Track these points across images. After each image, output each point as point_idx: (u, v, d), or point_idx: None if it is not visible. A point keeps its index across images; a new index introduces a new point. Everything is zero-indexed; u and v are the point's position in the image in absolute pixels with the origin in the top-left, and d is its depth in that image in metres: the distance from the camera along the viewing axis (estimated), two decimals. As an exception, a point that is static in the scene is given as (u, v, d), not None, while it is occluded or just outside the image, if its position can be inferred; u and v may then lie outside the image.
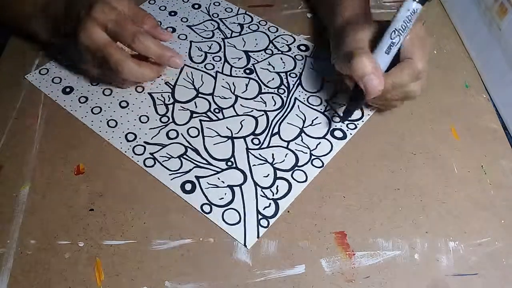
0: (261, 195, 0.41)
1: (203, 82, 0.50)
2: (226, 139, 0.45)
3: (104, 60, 0.43)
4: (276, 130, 0.46)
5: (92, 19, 0.42)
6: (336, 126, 0.46)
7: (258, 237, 0.38)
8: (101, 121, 0.46)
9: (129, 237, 0.38)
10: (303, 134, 0.46)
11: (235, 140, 0.45)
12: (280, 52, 0.53)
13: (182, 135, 0.45)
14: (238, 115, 0.47)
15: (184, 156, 0.44)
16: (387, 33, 0.38)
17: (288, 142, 0.45)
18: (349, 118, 0.45)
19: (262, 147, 0.45)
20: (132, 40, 0.42)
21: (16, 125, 0.46)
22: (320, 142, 0.45)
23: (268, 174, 0.42)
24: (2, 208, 0.40)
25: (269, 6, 0.59)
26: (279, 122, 0.46)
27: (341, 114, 0.46)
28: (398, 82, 0.39)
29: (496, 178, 0.43)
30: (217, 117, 0.47)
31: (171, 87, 0.50)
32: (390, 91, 0.41)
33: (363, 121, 0.47)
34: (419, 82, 0.40)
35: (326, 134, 0.46)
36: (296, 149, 0.44)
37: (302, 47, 0.54)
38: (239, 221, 0.39)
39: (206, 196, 0.41)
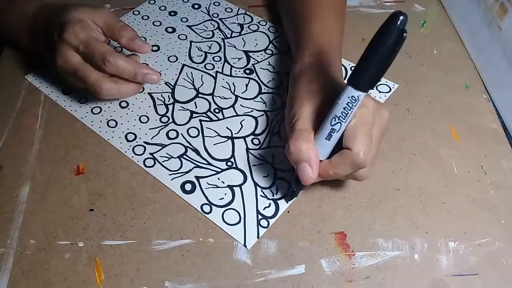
0: (261, 195, 0.41)
1: (203, 82, 0.50)
2: (226, 139, 0.45)
3: (82, 81, 0.43)
4: (276, 130, 0.46)
5: (64, 42, 0.42)
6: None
7: (258, 237, 0.38)
8: (101, 121, 0.46)
9: (129, 237, 0.38)
10: (303, 134, 0.46)
11: (235, 140, 0.45)
12: (280, 52, 0.53)
13: (182, 135, 0.45)
14: (238, 115, 0.47)
15: (184, 156, 0.44)
16: (327, 119, 0.35)
17: (288, 142, 0.45)
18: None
19: (262, 147, 0.45)
20: (102, 62, 0.41)
21: (16, 125, 0.46)
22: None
23: (268, 174, 0.42)
24: (2, 208, 0.40)
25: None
26: (279, 122, 0.46)
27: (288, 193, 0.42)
28: (339, 172, 0.36)
29: (496, 178, 0.43)
30: (217, 117, 0.47)
31: (171, 87, 0.50)
32: (332, 178, 0.37)
33: (363, 121, 0.47)
34: (364, 169, 0.36)
35: (326, 134, 0.46)
36: (296, 149, 0.44)
37: (302, 47, 0.54)
38: (239, 221, 0.39)
39: (206, 196, 0.41)
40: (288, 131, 0.38)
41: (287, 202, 0.41)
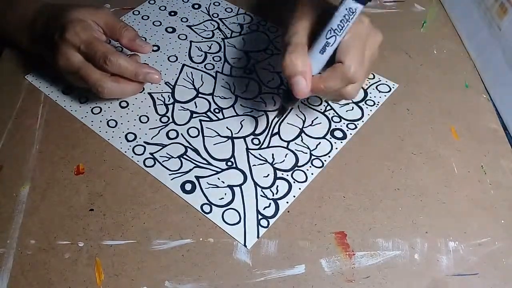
0: (261, 195, 0.41)
1: (203, 82, 0.50)
2: (226, 139, 0.45)
3: (84, 80, 0.43)
4: (276, 130, 0.46)
5: (66, 42, 0.42)
6: (336, 126, 0.46)
7: (258, 237, 0.38)
8: (101, 121, 0.46)
9: (129, 237, 0.38)
10: (303, 134, 0.46)
11: (235, 140, 0.45)
12: (280, 52, 0.53)
13: (182, 135, 0.45)
14: (238, 115, 0.47)
15: (184, 156, 0.44)
16: (323, 32, 0.35)
17: (288, 142, 0.45)
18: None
19: (262, 147, 0.45)
20: (103, 61, 0.42)
21: (16, 125, 0.46)
22: (320, 142, 0.45)
23: (268, 174, 0.42)
24: (2, 208, 0.40)
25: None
26: (279, 122, 0.46)
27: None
28: (329, 86, 0.37)
29: (496, 178, 0.43)
30: (217, 117, 0.47)
31: (171, 87, 0.50)
32: (321, 94, 0.39)
33: (363, 121, 0.47)
34: (353, 85, 0.37)
35: (326, 134, 0.46)
36: (296, 149, 0.44)
37: (302, 47, 0.54)
38: (239, 221, 0.39)
39: (206, 196, 0.41)
40: (283, 48, 0.38)
41: (277, 118, 0.42)
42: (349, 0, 0.33)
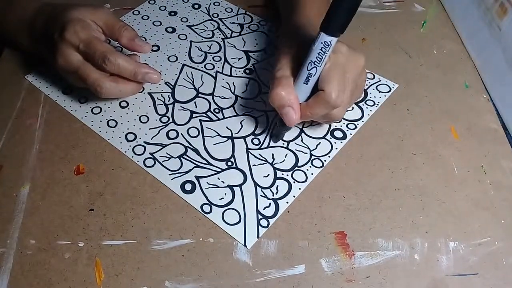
0: (261, 195, 0.41)
1: (203, 82, 0.50)
2: (226, 139, 0.45)
3: (83, 80, 0.43)
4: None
5: (65, 41, 0.42)
6: (336, 126, 0.46)
7: (258, 237, 0.38)
8: (101, 121, 0.46)
9: (129, 237, 0.38)
10: (303, 134, 0.46)
11: (235, 140, 0.45)
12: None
13: (182, 135, 0.45)
14: (238, 115, 0.47)
15: (184, 156, 0.44)
16: (304, 65, 0.39)
17: (288, 142, 0.45)
18: (281, 139, 0.45)
19: (262, 147, 0.45)
20: (102, 61, 0.42)
21: (16, 125, 0.46)
22: (320, 142, 0.45)
23: (268, 174, 0.42)
24: (2, 208, 0.40)
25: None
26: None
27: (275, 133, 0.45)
28: (315, 113, 0.40)
29: (496, 178, 0.43)
30: (217, 117, 0.47)
31: (171, 87, 0.50)
32: (310, 119, 0.41)
33: (363, 121, 0.47)
34: (338, 108, 0.40)
35: (326, 134, 0.46)
36: (296, 149, 0.44)
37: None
38: (239, 221, 0.39)
39: (206, 196, 0.41)
40: (270, 82, 0.42)
41: (274, 142, 0.44)
42: (324, 35, 0.37)
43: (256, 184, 0.42)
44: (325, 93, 0.38)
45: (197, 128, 0.46)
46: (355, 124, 0.47)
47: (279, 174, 0.42)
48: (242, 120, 0.47)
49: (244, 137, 0.45)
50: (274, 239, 0.38)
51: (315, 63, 0.38)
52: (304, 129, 0.46)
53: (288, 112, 0.40)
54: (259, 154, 0.44)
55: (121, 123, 0.46)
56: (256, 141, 0.45)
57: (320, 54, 0.37)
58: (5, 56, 0.52)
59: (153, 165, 0.43)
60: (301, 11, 0.47)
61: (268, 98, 0.41)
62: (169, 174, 0.42)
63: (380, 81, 0.51)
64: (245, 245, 0.38)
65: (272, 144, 0.45)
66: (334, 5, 0.36)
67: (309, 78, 0.39)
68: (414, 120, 0.48)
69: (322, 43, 0.37)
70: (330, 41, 0.37)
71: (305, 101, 0.41)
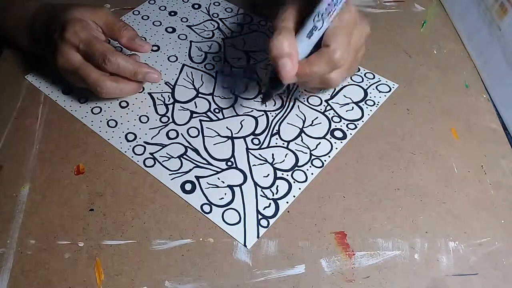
0: (261, 195, 0.41)
1: (203, 82, 0.50)
2: (226, 139, 0.45)
3: (83, 80, 0.43)
4: (276, 130, 0.46)
5: (65, 41, 0.42)
6: (336, 126, 0.46)
7: (258, 237, 0.38)
8: (101, 121, 0.46)
9: (129, 237, 0.38)
10: (303, 134, 0.46)
11: (235, 140, 0.45)
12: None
13: (182, 135, 0.45)
14: (238, 115, 0.47)
15: (184, 156, 0.44)
16: (311, 16, 0.36)
17: (288, 142, 0.45)
18: (269, 100, 0.42)
19: (262, 147, 0.45)
20: (102, 61, 0.42)
21: (16, 125, 0.46)
22: (320, 142, 0.45)
23: (268, 174, 0.42)
24: (2, 208, 0.40)
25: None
26: (279, 122, 0.46)
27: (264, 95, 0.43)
28: (314, 71, 0.37)
29: (496, 178, 0.43)
30: (217, 117, 0.47)
31: (171, 87, 0.50)
32: (306, 79, 0.39)
33: (363, 121, 0.47)
34: (338, 71, 0.37)
35: (326, 134, 0.46)
36: (296, 149, 0.44)
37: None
38: (239, 221, 0.39)
39: (206, 196, 0.41)
40: (273, 32, 0.38)
41: (262, 103, 0.42)
42: None
43: (256, 184, 0.42)
44: (330, 49, 0.36)
45: (197, 128, 0.46)
46: (355, 124, 0.47)
47: (279, 174, 0.42)
48: (242, 120, 0.47)
49: (244, 137, 0.45)
50: (274, 239, 0.38)
51: (323, 15, 0.35)
52: (304, 129, 0.46)
53: (285, 64, 0.36)
54: (259, 154, 0.44)
55: (121, 123, 0.46)
56: (256, 141, 0.45)
57: (330, 5, 0.35)
58: (5, 56, 0.52)
59: (153, 165, 0.43)
60: None
61: (269, 45, 0.37)
62: (169, 174, 0.42)
63: (380, 81, 0.51)
64: (245, 245, 0.38)
65: (272, 144, 0.45)
66: None
67: (313, 31, 0.36)
68: (414, 120, 0.48)
69: None
70: None
71: (305, 58, 0.38)
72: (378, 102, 0.49)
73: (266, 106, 0.41)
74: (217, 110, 0.48)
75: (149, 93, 0.49)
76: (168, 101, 0.48)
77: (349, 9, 0.37)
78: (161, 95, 0.49)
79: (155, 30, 0.56)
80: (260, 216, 0.40)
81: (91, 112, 0.47)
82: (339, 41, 0.36)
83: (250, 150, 0.44)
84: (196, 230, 0.39)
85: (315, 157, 0.44)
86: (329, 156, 0.44)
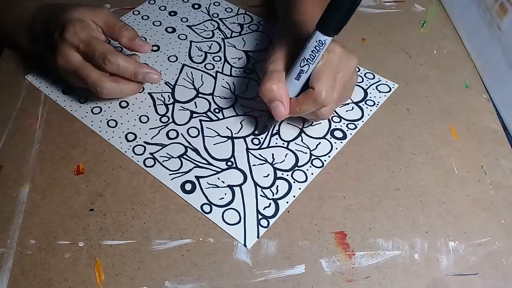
0: (261, 195, 0.41)
1: (203, 82, 0.50)
2: (226, 139, 0.45)
3: (83, 80, 0.43)
4: (276, 130, 0.46)
5: (65, 41, 0.42)
6: (336, 126, 0.46)
7: (258, 237, 0.38)
8: (101, 121, 0.46)
9: (129, 237, 0.38)
10: (303, 134, 0.46)
11: (235, 140, 0.45)
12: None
13: (182, 135, 0.45)
14: (238, 115, 0.47)
15: (184, 156, 0.44)
16: (297, 61, 0.39)
17: (288, 142, 0.45)
18: (266, 132, 0.45)
19: (262, 147, 0.45)
20: (102, 61, 0.42)
21: (16, 125, 0.46)
22: (320, 142, 0.45)
23: (268, 174, 0.42)
24: (2, 208, 0.40)
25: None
26: (279, 122, 0.46)
27: (261, 128, 0.46)
28: (303, 109, 0.40)
29: (496, 178, 0.43)
30: (217, 117, 0.47)
31: (171, 87, 0.50)
32: (298, 114, 0.42)
33: (363, 121, 0.47)
34: (326, 107, 0.40)
35: (326, 134, 0.46)
36: (296, 149, 0.44)
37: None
38: (239, 221, 0.39)
39: (206, 196, 0.41)
40: (263, 75, 0.42)
41: (260, 135, 0.45)
42: (319, 34, 0.37)
43: (256, 184, 0.42)
44: (315, 91, 0.38)
45: (197, 128, 0.46)
46: (355, 124, 0.47)
47: (279, 174, 0.42)
48: (242, 120, 0.47)
49: (244, 137, 0.45)
50: (274, 239, 0.38)
51: (308, 60, 0.38)
52: (304, 129, 0.46)
53: (277, 106, 0.40)
54: (259, 154, 0.44)
55: (121, 123, 0.46)
56: (256, 141, 0.45)
57: (313, 52, 0.38)
58: (5, 56, 0.52)
59: (153, 165, 0.43)
60: (298, 8, 0.47)
61: (259, 91, 0.41)
62: (169, 174, 0.42)
63: (380, 81, 0.51)
64: (245, 245, 0.38)
65: (272, 144, 0.45)
66: (332, 5, 0.36)
67: (301, 74, 0.39)
68: (414, 120, 0.48)
69: (316, 41, 0.37)
70: (324, 40, 0.37)
71: (295, 96, 0.41)
72: (378, 102, 0.49)
73: (263, 135, 0.45)
74: (217, 110, 0.48)
75: (149, 93, 0.49)
76: (168, 101, 0.48)
77: (333, 49, 0.39)
78: (161, 95, 0.49)
79: (155, 30, 0.56)
80: (260, 216, 0.40)
81: (91, 112, 0.47)
82: (323, 83, 0.38)
83: (250, 150, 0.44)
84: (196, 230, 0.39)
85: (315, 157, 0.44)
86: (329, 156, 0.44)
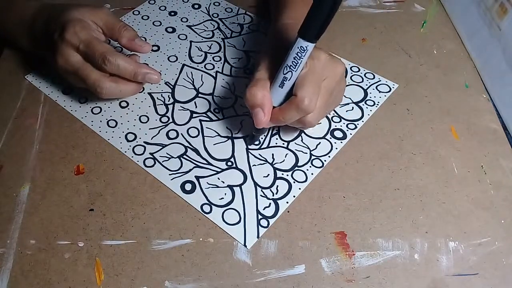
0: (261, 195, 0.41)
1: (203, 82, 0.50)
2: (226, 139, 0.45)
3: (83, 80, 0.43)
4: (276, 130, 0.46)
5: (65, 41, 0.42)
6: (336, 126, 0.46)
7: (258, 237, 0.38)
8: (101, 121, 0.46)
9: (129, 237, 0.38)
10: (303, 134, 0.46)
11: (235, 140, 0.45)
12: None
13: (182, 135, 0.45)
14: (238, 115, 0.47)
15: (184, 156, 0.44)
16: (280, 69, 0.39)
17: (288, 142, 0.45)
18: (254, 142, 0.45)
19: (262, 147, 0.45)
20: (102, 61, 0.42)
21: (16, 125, 0.46)
22: (320, 142, 0.45)
23: (268, 174, 0.42)
24: (2, 208, 0.40)
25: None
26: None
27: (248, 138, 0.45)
28: (287, 117, 0.39)
29: (496, 178, 0.43)
30: (217, 117, 0.47)
31: (171, 87, 0.50)
32: (282, 123, 0.41)
33: (363, 121, 0.47)
34: (311, 114, 0.39)
35: (326, 134, 0.46)
36: (296, 149, 0.44)
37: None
38: (239, 221, 0.39)
39: (206, 196, 0.41)
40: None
41: (248, 145, 0.44)
42: (300, 40, 0.37)
43: (256, 184, 0.42)
44: (298, 98, 0.38)
45: (197, 128, 0.46)
46: (355, 124, 0.47)
47: (279, 174, 0.42)
48: (242, 120, 0.47)
49: (244, 137, 0.45)
50: (274, 239, 0.38)
51: (291, 67, 0.38)
52: (304, 129, 0.46)
53: (257, 113, 0.39)
54: (259, 154, 0.44)
55: (121, 123, 0.46)
56: (256, 141, 0.45)
57: (296, 58, 0.37)
58: (5, 56, 0.52)
59: (153, 165, 0.43)
60: (288, 11, 0.47)
61: (243, 97, 0.40)
62: (169, 174, 0.42)
63: (380, 81, 0.51)
64: (245, 245, 0.38)
65: (272, 144, 0.45)
66: (311, 12, 0.36)
67: (284, 82, 0.39)
68: (414, 120, 0.48)
69: (298, 48, 0.37)
70: (306, 47, 0.37)
71: (279, 105, 0.40)
72: (378, 102, 0.49)
73: (251, 145, 0.45)
74: (217, 110, 0.48)
75: (149, 93, 0.49)
76: (168, 101, 0.48)
77: (317, 56, 0.39)
78: (161, 95, 0.49)
79: (155, 30, 0.56)
80: (260, 216, 0.40)
81: (91, 112, 0.47)
82: (306, 90, 0.38)
83: (250, 150, 0.44)
84: (196, 230, 0.39)
85: (315, 157, 0.44)
86: (329, 156, 0.44)
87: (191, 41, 0.55)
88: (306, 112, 0.38)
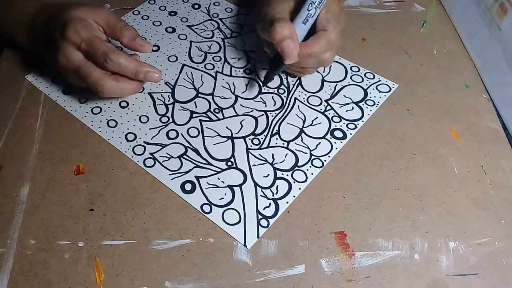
0: (261, 195, 0.41)
1: (203, 82, 0.50)
2: (226, 139, 0.45)
3: (83, 79, 0.43)
4: (276, 130, 0.46)
5: (66, 40, 0.42)
6: (336, 126, 0.46)
7: (258, 237, 0.38)
8: (101, 121, 0.46)
9: (129, 237, 0.38)
10: (303, 134, 0.46)
11: (235, 140, 0.45)
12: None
13: (182, 135, 0.45)
14: (238, 115, 0.47)
15: (184, 156, 0.44)
16: (305, 5, 0.43)
17: (288, 142, 0.45)
18: (269, 84, 0.48)
19: (262, 147, 0.45)
20: (104, 60, 0.42)
21: (16, 125, 0.46)
22: (320, 142, 0.45)
23: (268, 174, 0.42)
24: (2, 208, 0.40)
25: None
26: (279, 122, 0.46)
27: (262, 79, 0.49)
28: (314, 51, 0.43)
29: (496, 178, 0.43)
30: (217, 117, 0.47)
31: (171, 87, 0.50)
32: (306, 60, 0.44)
33: (363, 121, 0.47)
34: (331, 51, 0.44)
35: (326, 134, 0.46)
36: (296, 149, 0.44)
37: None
38: (239, 221, 0.39)
39: (206, 196, 0.41)
40: (263, 28, 0.45)
41: (263, 85, 0.48)
42: None
43: (256, 184, 0.42)
44: (327, 32, 0.42)
45: (197, 128, 0.46)
46: (355, 124, 0.47)
47: (279, 174, 0.42)
48: (242, 120, 0.47)
49: (244, 137, 0.45)
50: (274, 239, 0.38)
51: (316, 4, 0.42)
52: (304, 129, 0.46)
53: (288, 45, 0.41)
54: (259, 154, 0.44)
55: (121, 123, 0.46)
56: (256, 141, 0.45)
57: None
58: (5, 56, 0.52)
59: (153, 165, 0.43)
60: None
61: (268, 34, 0.42)
62: (169, 174, 0.42)
63: (380, 81, 0.51)
64: (245, 245, 0.38)
65: (272, 144, 0.45)
66: None
67: (308, 18, 0.42)
68: (414, 120, 0.48)
69: None
70: None
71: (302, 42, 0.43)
72: (378, 102, 0.49)
73: (265, 85, 0.48)
74: (217, 110, 0.48)
75: (149, 93, 0.49)
76: (168, 101, 0.48)
77: (335, 0, 0.44)
78: (161, 95, 0.49)
79: (155, 30, 0.56)
80: (260, 216, 0.40)
81: (91, 112, 0.47)
82: (333, 25, 0.43)
83: (250, 150, 0.44)
84: (196, 230, 0.39)
85: (315, 157, 0.44)
86: (329, 156, 0.44)
87: (191, 41, 0.55)
88: (332, 46, 0.42)
